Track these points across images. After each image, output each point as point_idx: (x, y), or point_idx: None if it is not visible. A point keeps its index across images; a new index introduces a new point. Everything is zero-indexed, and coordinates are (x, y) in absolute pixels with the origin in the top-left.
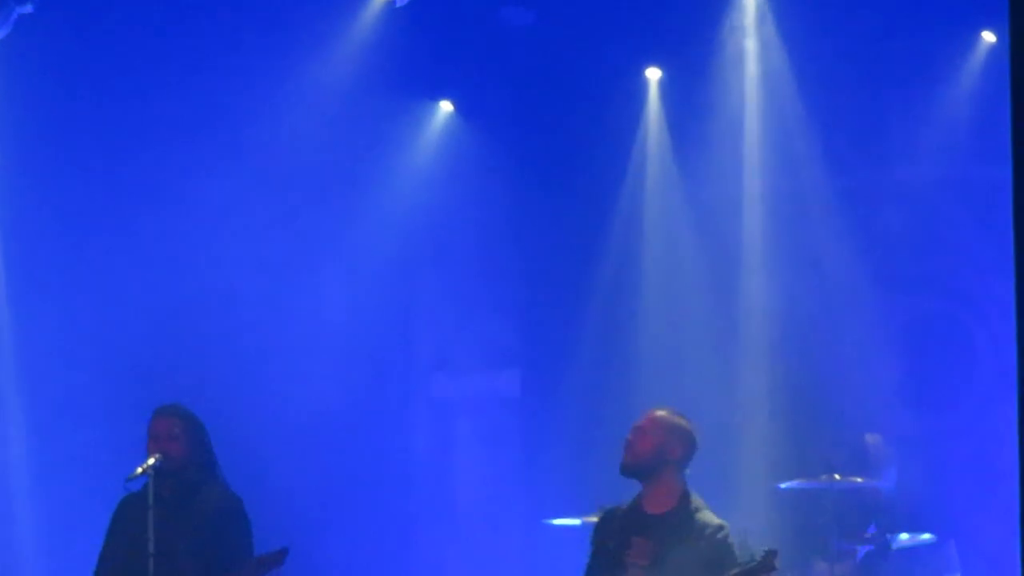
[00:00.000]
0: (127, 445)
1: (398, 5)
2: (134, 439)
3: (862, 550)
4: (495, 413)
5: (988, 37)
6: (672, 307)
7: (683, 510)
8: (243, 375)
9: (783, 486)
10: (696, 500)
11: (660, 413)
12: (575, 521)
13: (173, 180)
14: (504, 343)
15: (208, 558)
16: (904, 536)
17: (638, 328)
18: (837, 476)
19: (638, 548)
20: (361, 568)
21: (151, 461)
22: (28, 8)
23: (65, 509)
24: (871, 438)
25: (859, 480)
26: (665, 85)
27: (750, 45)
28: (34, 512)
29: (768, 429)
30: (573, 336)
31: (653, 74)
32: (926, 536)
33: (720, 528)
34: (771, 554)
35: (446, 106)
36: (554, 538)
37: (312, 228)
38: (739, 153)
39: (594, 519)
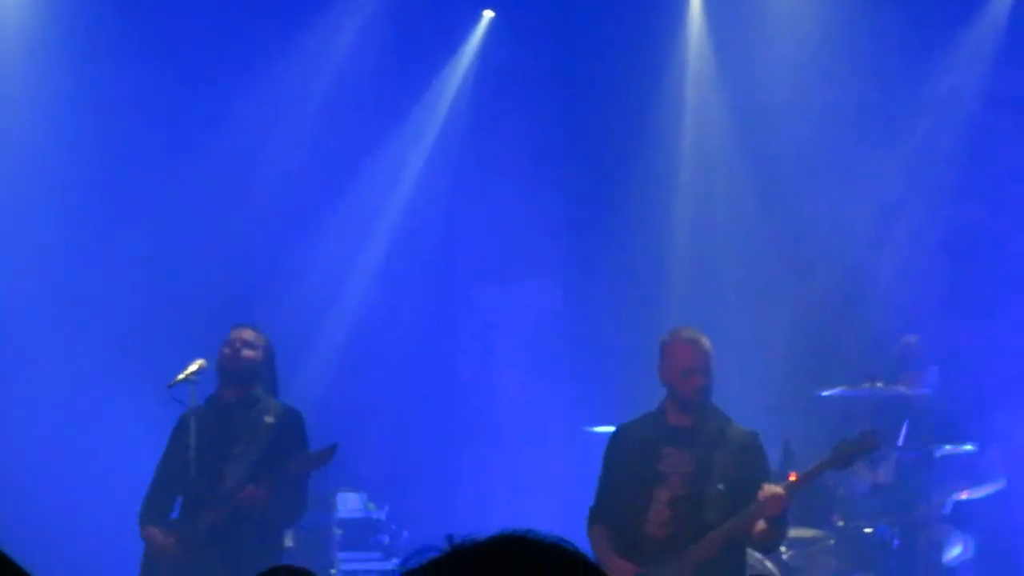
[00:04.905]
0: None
1: None
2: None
3: (905, 457)
4: (537, 324)
5: None
6: (713, 220)
7: (712, 420)
8: (284, 294)
9: (825, 394)
10: (720, 409)
11: (706, 341)
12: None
13: (214, 114)
14: (546, 256)
15: (262, 464)
16: (948, 447)
17: (678, 240)
18: (879, 384)
19: (674, 458)
20: (406, 477)
21: (193, 367)
22: None
23: (112, 434)
24: (909, 339)
25: (901, 388)
26: None
27: None
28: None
29: (810, 339)
30: (614, 248)
31: None
32: (968, 447)
33: (755, 435)
34: (871, 432)
35: (488, 14)
36: (595, 445)
37: (354, 141)
38: (782, 63)
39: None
